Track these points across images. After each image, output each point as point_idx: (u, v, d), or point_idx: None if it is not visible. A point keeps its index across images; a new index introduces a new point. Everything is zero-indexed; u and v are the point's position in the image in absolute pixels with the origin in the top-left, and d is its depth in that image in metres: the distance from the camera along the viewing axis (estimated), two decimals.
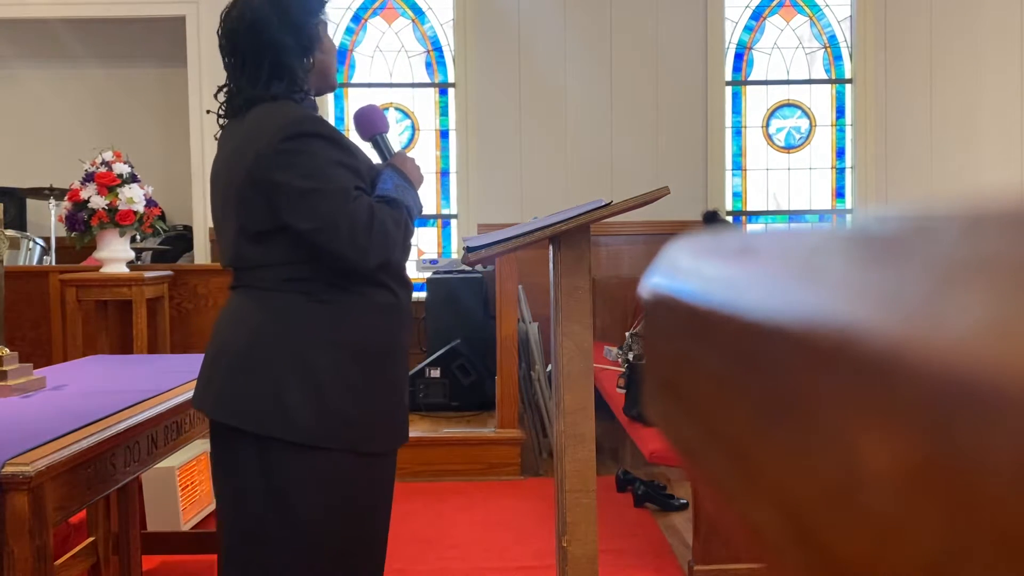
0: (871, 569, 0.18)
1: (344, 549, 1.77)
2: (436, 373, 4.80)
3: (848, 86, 6.27)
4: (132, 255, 4.38)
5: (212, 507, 3.57)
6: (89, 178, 4.07)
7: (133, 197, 4.06)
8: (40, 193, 5.89)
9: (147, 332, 4.17)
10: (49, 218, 5.61)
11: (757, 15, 6.26)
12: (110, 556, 2.84)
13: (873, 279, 0.19)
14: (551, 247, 2.01)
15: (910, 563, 0.16)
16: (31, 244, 5.61)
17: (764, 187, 6.33)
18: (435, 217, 6.20)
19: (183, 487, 3.40)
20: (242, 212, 1.73)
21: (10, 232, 5.27)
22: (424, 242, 6.19)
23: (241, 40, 1.76)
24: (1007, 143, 6.17)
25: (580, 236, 1.92)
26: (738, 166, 6.26)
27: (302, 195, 1.65)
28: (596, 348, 3.94)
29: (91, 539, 2.80)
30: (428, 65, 6.21)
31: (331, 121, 1.96)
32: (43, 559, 1.56)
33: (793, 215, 6.33)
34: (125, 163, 4.16)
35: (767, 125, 6.30)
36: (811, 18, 6.28)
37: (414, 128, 6.20)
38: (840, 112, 6.31)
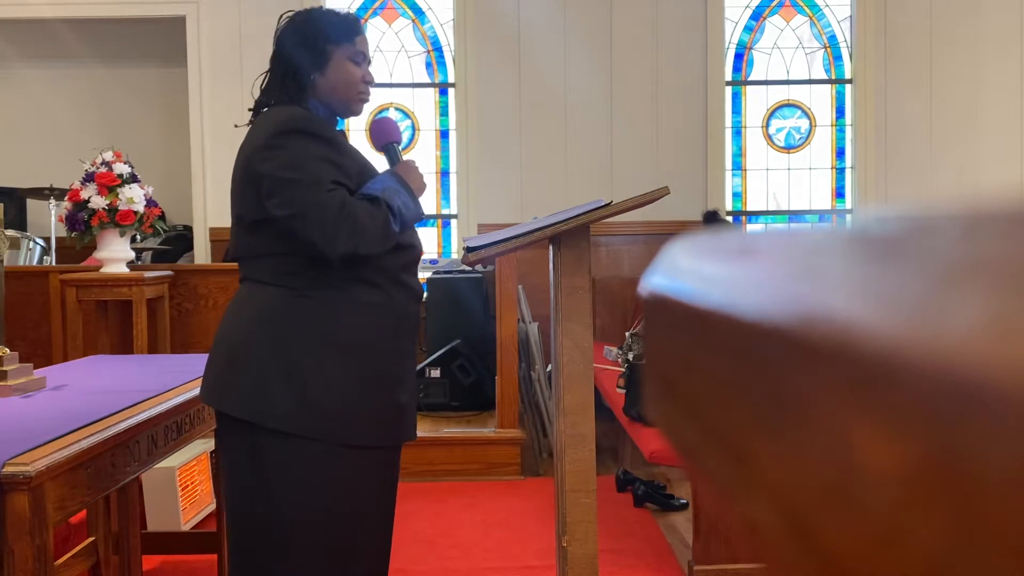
0: (871, 569, 0.18)
1: (329, 543, 1.80)
2: (436, 373, 4.80)
3: (848, 86, 6.27)
4: (132, 255, 4.38)
5: (212, 507, 3.57)
6: (89, 178, 4.07)
7: (133, 197, 4.06)
8: (40, 193, 5.89)
9: (147, 332, 4.17)
10: (49, 218, 5.61)
11: (757, 15, 6.26)
12: (110, 556, 2.84)
13: (873, 279, 0.19)
14: (551, 247, 2.01)
15: (910, 563, 0.16)
16: (31, 244, 5.61)
17: (764, 187, 6.33)
18: (435, 217, 6.21)
19: (183, 487, 3.40)
20: (239, 203, 1.86)
21: (10, 232, 5.28)
22: (424, 242, 6.20)
23: (272, 58, 1.95)
24: (1007, 143, 6.17)
25: (580, 236, 1.93)
26: (738, 166, 6.26)
27: (280, 184, 1.76)
28: (596, 348, 3.94)
29: (91, 539, 2.80)
30: (428, 65, 6.21)
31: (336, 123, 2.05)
32: (43, 559, 1.56)
33: (793, 215, 6.33)
34: (125, 163, 4.16)
35: (767, 125, 6.30)
36: (811, 18, 6.29)
37: (414, 128, 6.20)
38: (840, 112, 6.31)
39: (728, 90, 6.21)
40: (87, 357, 3.12)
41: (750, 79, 6.28)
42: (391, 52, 6.18)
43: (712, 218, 5.30)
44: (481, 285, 5.12)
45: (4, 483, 1.52)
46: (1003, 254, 0.15)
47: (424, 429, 4.49)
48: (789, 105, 6.31)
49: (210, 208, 6.01)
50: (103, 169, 4.09)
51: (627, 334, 4.17)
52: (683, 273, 0.32)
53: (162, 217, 4.89)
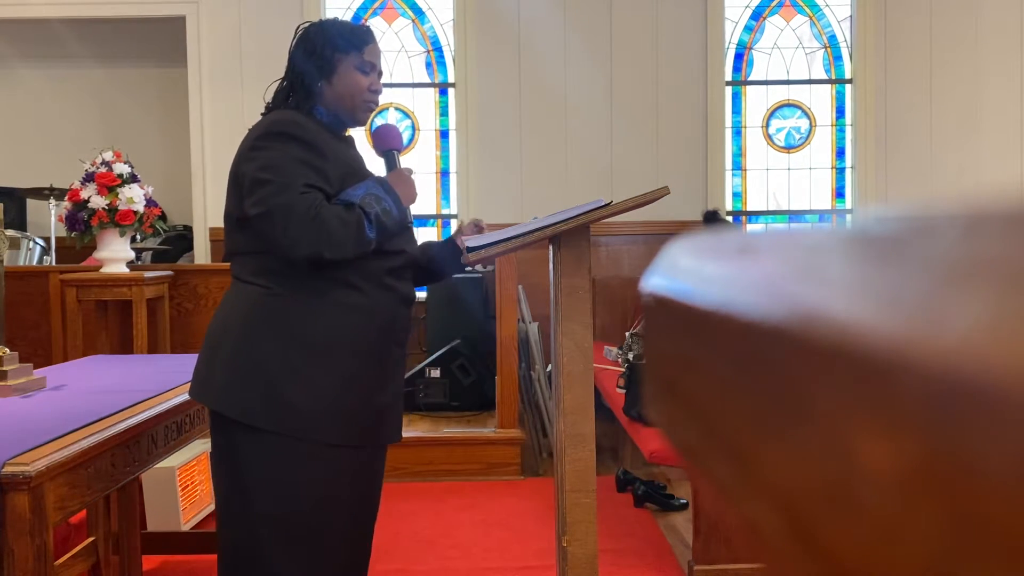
0: (871, 569, 0.18)
1: (299, 537, 1.84)
2: (436, 373, 4.80)
3: (848, 86, 6.27)
4: (132, 255, 4.38)
5: (212, 507, 3.57)
6: (89, 178, 4.07)
7: (133, 197, 4.06)
8: (40, 193, 5.89)
9: (147, 332, 4.17)
10: (49, 218, 5.61)
11: (757, 15, 6.26)
12: (110, 556, 2.83)
13: (873, 279, 0.19)
14: (551, 247, 2.01)
15: (910, 563, 0.16)
16: (31, 244, 5.61)
17: (764, 187, 6.33)
18: (435, 217, 6.21)
19: (183, 487, 3.40)
20: (228, 201, 1.93)
21: (10, 232, 5.28)
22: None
23: (286, 66, 2.02)
24: (1007, 143, 6.17)
25: (580, 236, 1.93)
26: (738, 166, 6.26)
27: (256, 183, 1.81)
28: (596, 348, 3.95)
29: (91, 539, 2.79)
30: (428, 65, 6.21)
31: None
32: (43, 559, 1.56)
33: (793, 215, 6.33)
34: (125, 163, 4.16)
35: (767, 125, 6.30)
36: (811, 18, 6.28)
37: (414, 128, 6.20)
38: (840, 112, 6.31)
39: (728, 90, 6.21)
40: (87, 357, 3.12)
41: (750, 79, 6.28)
42: (391, 52, 6.18)
43: (712, 218, 5.30)
44: (481, 285, 5.12)
45: (4, 483, 1.52)
46: (1003, 254, 0.15)
47: (424, 429, 4.49)
48: (789, 105, 6.31)
49: (210, 208, 6.01)
50: (103, 169, 4.09)
51: (627, 334, 4.17)
52: (683, 273, 0.32)
53: (162, 217, 4.89)
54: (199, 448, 3.53)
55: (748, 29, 6.26)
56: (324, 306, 1.85)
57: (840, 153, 6.31)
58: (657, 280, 0.35)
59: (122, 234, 4.15)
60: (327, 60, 1.96)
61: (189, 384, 2.11)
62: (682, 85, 6.09)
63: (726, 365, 0.26)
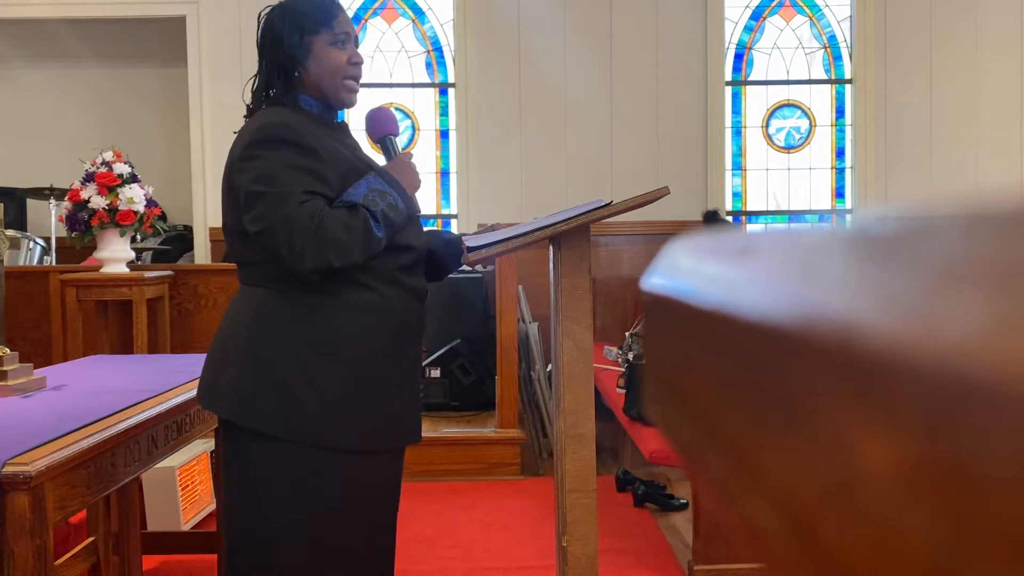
0: (871, 569, 0.18)
1: (314, 548, 1.76)
2: (436, 373, 4.80)
3: (848, 86, 6.27)
4: (132, 255, 4.38)
5: (212, 507, 3.57)
6: (89, 178, 4.07)
7: (133, 197, 4.06)
8: (40, 193, 5.89)
9: (147, 332, 4.17)
10: (49, 218, 5.61)
11: (757, 15, 6.26)
12: (110, 556, 2.83)
13: (873, 279, 0.19)
14: (551, 247, 2.01)
15: (909, 563, 0.16)
16: (31, 244, 5.61)
17: (764, 187, 6.33)
18: (435, 217, 6.21)
19: (183, 487, 3.40)
20: (225, 212, 1.85)
21: (10, 232, 5.27)
22: None
23: (258, 60, 1.91)
24: (1007, 143, 6.18)
25: (580, 236, 1.92)
26: (738, 166, 6.26)
27: (252, 197, 1.73)
28: (596, 348, 3.95)
29: (91, 539, 2.79)
30: (428, 65, 6.21)
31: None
32: (43, 559, 1.56)
33: (793, 215, 6.33)
34: (125, 163, 4.16)
35: (767, 125, 6.30)
36: (811, 18, 6.28)
37: (414, 128, 6.20)
38: (840, 112, 6.31)
39: (728, 90, 6.21)
40: (87, 357, 3.12)
41: (750, 79, 6.28)
42: (391, 52, 6.18)
43: (712, 218, 5.30)
44: (481, 285, 5.12)
45: (4, 483, 1.52)
46: (1003, 254, 0.15)
47: (424, 429, 4.45)
48: (789, 105, 6.31)
49: (210, 208, 6.01)
50: (103, 169, 4.09)
51: (627, 334, 4.18)
52: (683, 273, 0.32)
53: (162, 217, 4.89)
54: (199, 448, 3.53)
55: (748, 29, 6.26)
56: (336, 307, 1.77)
57: (840, 153, 6.31)
58: (657, 280, 0.35)
59: (122, 234, 4.15)
60: (299, 45, 1.83)
61: (189, 384, 2.10)
62: (682, 85, 6.09)
63: (726, 365, 0.26)
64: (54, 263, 5.34)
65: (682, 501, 3.87)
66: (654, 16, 6.06)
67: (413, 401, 1.90)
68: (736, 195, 6.27)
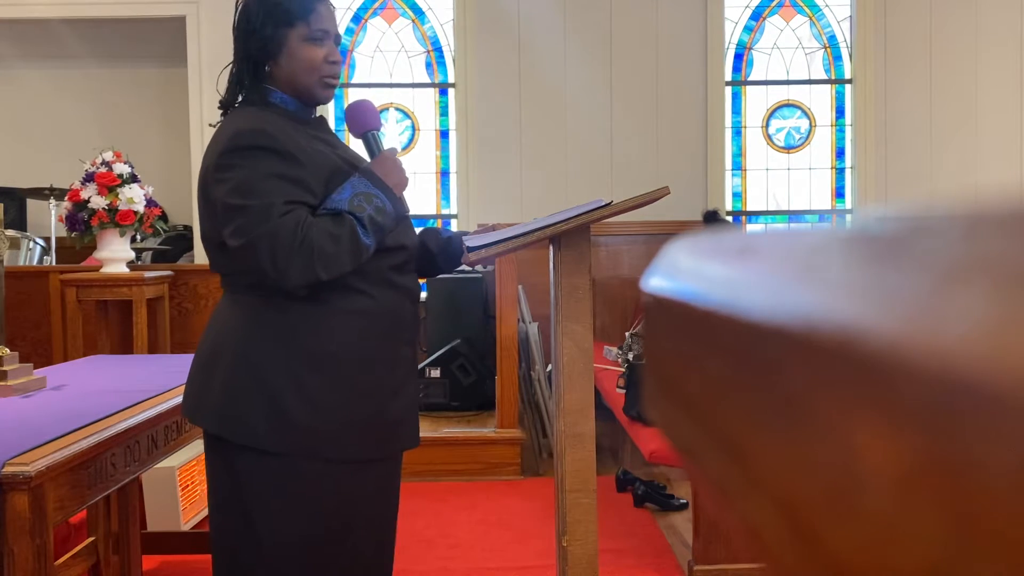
0: (871, 569, 0.18)
1: (312, 563, 1.70)
2: (436, 373, 4.80)
3: (848, 86, 6.27)
4: (132, 255, 4.38)
5: None
6: (89, 178, 4.07)
7: (133, 197, 4.06)
8: (40, 193, 5.89)
9: (147, 332, 4.17)
10: (49, 218, 5.61)
11: (757, 15, 6.26)
12: (110, 556, 2.84)
13: (873, 279, 0.19)
14: (551, 247, 2.01)
15: (910, 563, 0.16)
16: (31, 244, 5.61)
17: (764, 187, 6.33)
18: (435, 217, 6.21)
19: (183, 487, 3.40)
20: (202, 222, 1.76)
21: (10, 232, 5.28)
22: None
23: (233, 51, 1.82)
24: (1007, 143, 6.18)
25: (580, 236, 1.92)
26: (738, 166, 6.26)
27: (230, 211, 1.63)
28: (596, 348, 3.95)
29: (91, 539, 2.79)
30: (428, 65, 6.21)
31: (330, 121, 1.92)
32: (43, 559, 1.56)
33: (793, 215, 6.33)
34: (125, 163, 4.16)
35: (767, 125, 6.30)
36: (811, 18, 6.29)
37: (414, 128, 6.20)
38: (840, 112, 6.31)
39: (728, 90, 6.21)
40: (87, 357, 3.12)
41: (750, 79, 6.28)
42: (391, 52, 6.18)
43: (712, 218, 5.30)
44: (481, 285, 5.12)
45: (4, 483, 1.52)
46: (1003, 254, 0.15)
47: (424, 429, 4.48)
48: (789, 105, 6.31)
49: None
50: (103, 169, 4.09)
51: (627, 334, 4.18)
52: (683, 273, 0.32)
53: (162, 217, 4.89)
54: (199, 448, 3.52)
55: (748, 29, 6.26)
56: (327, 314, 1.68)
57: (840, 153, 6.31)
58: (657, 280, 0.35)
59: (122, 234, 4.15)
60: (270, 38, 1.74)
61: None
62: (682, 85, 6.09)
63: (726, 365, 0.26)
64: (54, 263, 5.34)
65: (682, 501, 3.87)
66: (654, 16, 6.06)
67: (410, 405, 1.83)
68: (736, 195, 6.27)
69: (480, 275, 5.10)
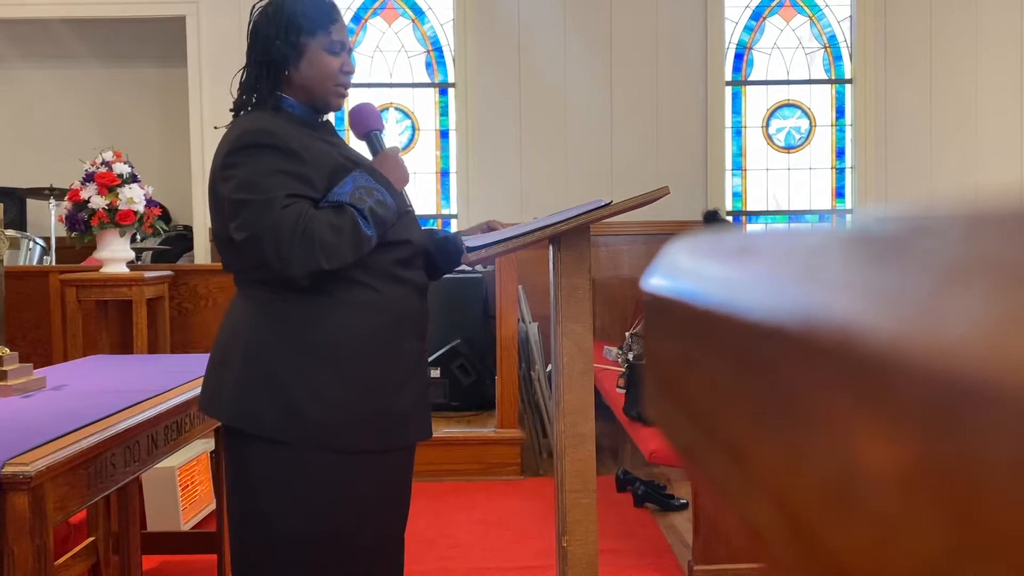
0: (870, 569, 0.18)
1: (322, 550, 1.74)
2: (436, 373, 4.80)
3: (848, 86, 6.27)
4: (132, 255, 4.38)
5: (212, 507, 3.57)
6: (89, 178, 4.07)
7: (133, 197, 4.06)
8: (40, 193, 5.89)
9: (147, 332, 4.17)
10: (49, 218, 5.61)
11: (757, 15, 6.26)
12: (110, 556, 2.84)
13: (873, 279, 0.19)
14: (551, 247, 2.01)
15: (909, 563, 0.16)
16: (31, 244, 5.61)
17: (764, 187, 6.33)
18: (435, 217, 6.21)
19: (183, 487, 3.40)
20: (212, 221, 1.84)
21: (10, 232, 5.28)
22: None
23: (247, 53, 1.88)
24: (1007, 143, 6.18)
25: (580, 236, 1.92)
26: (738, 166, 6.26)
27: (236, 206, 1.70)
28: (596, 348, 3.94)
29: (91, 539, 2.80)
30: (428, 65, 6.21)
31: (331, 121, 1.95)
32: (43, 559, 1.56)
33: (793, 215, 6.33)
34: (125, 163, 4.16)
35: (767, 125, 6.30)
36: (811, 18, 6.29)
37: (414, 128, 6.20)
38: (840, 112, 6.31)
39: (728, 90, 6.21)
40: (87, 357, 3.12)
41: (750, 79, 6.28)
42: (391, 52, 6.18)
43: (712, 218, 5.30)
44: (481, 285, 5.12)
45: (4, 483, 1.52)
46: (1003, 254, 0.15)
47: None
48: (789, 105, 6.31)
49: None
50: (103, 169, 4.09)
51: (627, 334, 4.18)
52: (683, 273, 0.32)
53: (163, 217, 4.89)
54: (199, 448, 3.53)
55: (748, 29, 6.26)
56: (334, 308, 1.74)
57: (840, 153, 6.31)
58: (657, 280, 0.35)
59: (122, 234, 4.15)
60: (293, 45, 1.79)
61: (189, 384, 2.10)
62: (682, 85, 6.09)
63: (726, 365, 0.26)
64: (54, 263, 5.34)
65: (682, 501, 3.87)
66: (654, 16, 6.06)
67: (418, 398, 1.86)
68: (736, 195, 6.27)
69: (480, 275, 5.10)
